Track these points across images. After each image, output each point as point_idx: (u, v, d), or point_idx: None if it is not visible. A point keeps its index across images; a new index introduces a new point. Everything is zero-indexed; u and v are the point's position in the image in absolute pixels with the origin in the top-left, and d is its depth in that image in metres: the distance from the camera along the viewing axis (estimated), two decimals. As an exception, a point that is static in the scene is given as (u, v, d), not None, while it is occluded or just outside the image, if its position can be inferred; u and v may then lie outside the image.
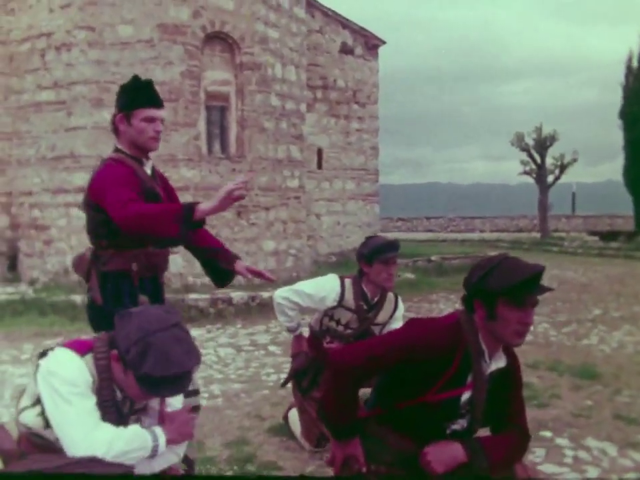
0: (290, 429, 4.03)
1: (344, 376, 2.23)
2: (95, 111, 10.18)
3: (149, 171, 3.02)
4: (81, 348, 2.11)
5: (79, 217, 9.39)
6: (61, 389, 2.01)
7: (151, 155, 3.05)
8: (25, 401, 2.10)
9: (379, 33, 16.34)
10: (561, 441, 4.02)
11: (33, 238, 11.03)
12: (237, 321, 8.46)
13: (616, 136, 23.06)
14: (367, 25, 16.42)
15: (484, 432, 2.40)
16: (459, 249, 19.95)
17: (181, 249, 3.16)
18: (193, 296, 8.81)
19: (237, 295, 8.98)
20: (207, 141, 10.86)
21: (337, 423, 2.29)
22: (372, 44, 16.22)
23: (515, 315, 2.13)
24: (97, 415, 2.06)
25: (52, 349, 2.14)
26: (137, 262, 2.91)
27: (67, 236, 10.47)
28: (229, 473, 3.48)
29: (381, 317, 3.72)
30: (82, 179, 9.40)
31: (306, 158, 13.20)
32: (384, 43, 16.48)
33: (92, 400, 2.06)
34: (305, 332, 3.87)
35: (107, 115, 9.19)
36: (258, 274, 3.20)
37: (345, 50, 15.59)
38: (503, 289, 2.12)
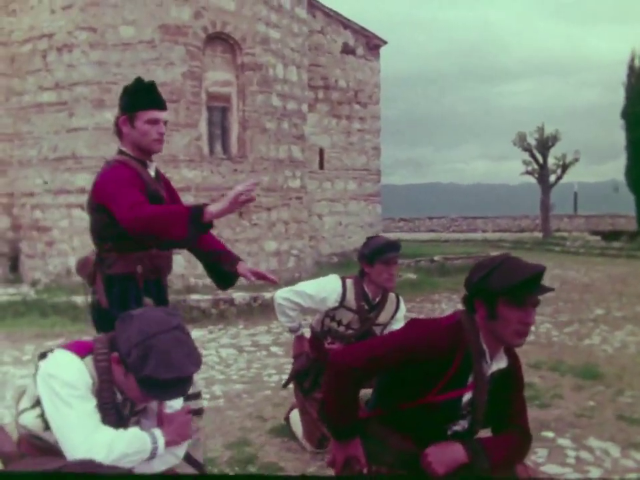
0: (291, 429, 4.02)
1: (344, 376, 2.23)
2: (96, 111, 10.19)
3: (152, 173, 2.99)
4: (80, 350, 2.10)
5: (81, 218, 9.45)
6: (61, 392, 2.00)
7: (154, 156, 3.03)
8: (25, 402, 2.09)
9: (380, 33, 16.38)
10: (563, 442, 4.01)
11: (34, 239, 11.04)
12: (238, 322, 8.46)
13: (618, 136, 23.06)
14: (368, 25, 16.46)
15: (485, 433, 2.39)
16: (462, 249, 19.90)
17: (182, 249, 3.15)
18: (194, 297, 8.81)
19: (239, 296, 8.97)
20: (209, 141, 10.87)
21: (338, 423, 2.29)
22: (373, 44, 16.23)
23: (515, 315, 2.13)
24: (97, 418, 2.04)
25: (52, 350, 2.12)
26: (141, 264, 2.89)
27: (69, 237, 10.49)
28: (231, 474, 3.48)
29: (383, 317, 3.71)
30: (84, 179, 9.42)
31: (307, 158, 13.20)
32: (385, 43, 16.50)
33: (92, 402, 2.05)
34: (307, 333, 3.87)
35: (108, 115, 9.23)
36: (261, 276, 3.16)
37: (347, 50, 15.59)
38: (504, 288, 2.12)
